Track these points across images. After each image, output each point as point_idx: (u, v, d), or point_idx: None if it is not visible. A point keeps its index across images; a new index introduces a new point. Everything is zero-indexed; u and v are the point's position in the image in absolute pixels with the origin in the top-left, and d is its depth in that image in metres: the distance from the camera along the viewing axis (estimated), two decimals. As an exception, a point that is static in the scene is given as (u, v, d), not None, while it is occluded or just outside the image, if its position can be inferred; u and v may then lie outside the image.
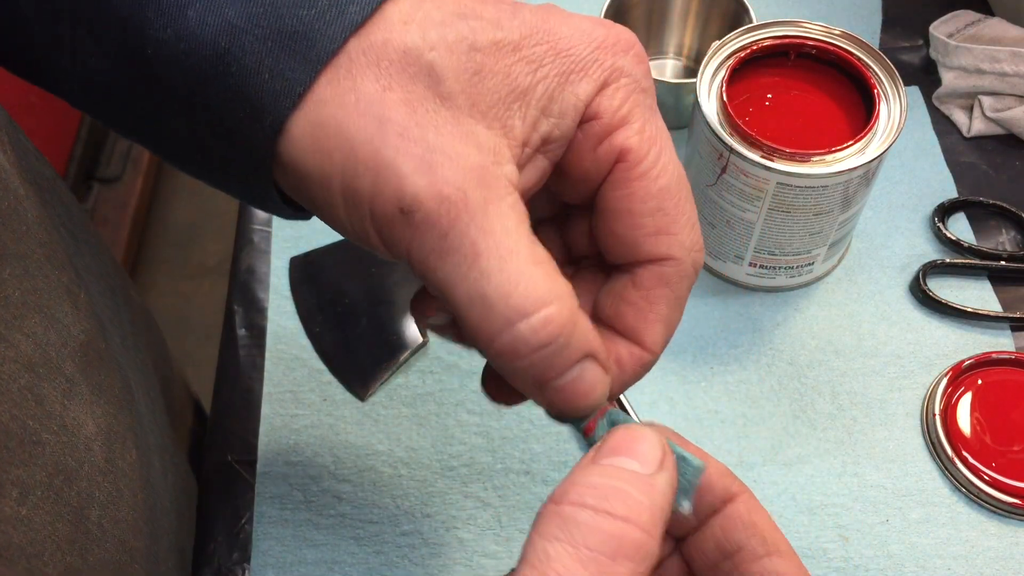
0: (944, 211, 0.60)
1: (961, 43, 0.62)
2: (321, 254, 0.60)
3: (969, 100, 0.64)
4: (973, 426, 0.52)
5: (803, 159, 0.49)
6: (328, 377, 0.56)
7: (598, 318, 0.32)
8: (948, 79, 0.63)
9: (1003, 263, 0.58)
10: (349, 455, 0.53)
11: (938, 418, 0.52)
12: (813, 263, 0.56)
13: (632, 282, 0.31)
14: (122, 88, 0.28)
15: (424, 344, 0.55)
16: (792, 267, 0.55)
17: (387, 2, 0.27)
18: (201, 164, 0.30)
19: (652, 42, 0.67)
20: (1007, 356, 0.54)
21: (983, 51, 0.61)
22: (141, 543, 0.40)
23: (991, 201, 0.60)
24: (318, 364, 0.56)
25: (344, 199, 0.27)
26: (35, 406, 0.32)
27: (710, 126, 0.50)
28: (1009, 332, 0.56)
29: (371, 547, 0.50)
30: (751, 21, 0.61)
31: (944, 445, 0.51)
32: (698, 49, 0.67)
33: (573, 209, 0.33)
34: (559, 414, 0.29)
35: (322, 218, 0.29)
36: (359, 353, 0.56)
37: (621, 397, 0.33)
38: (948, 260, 0.58)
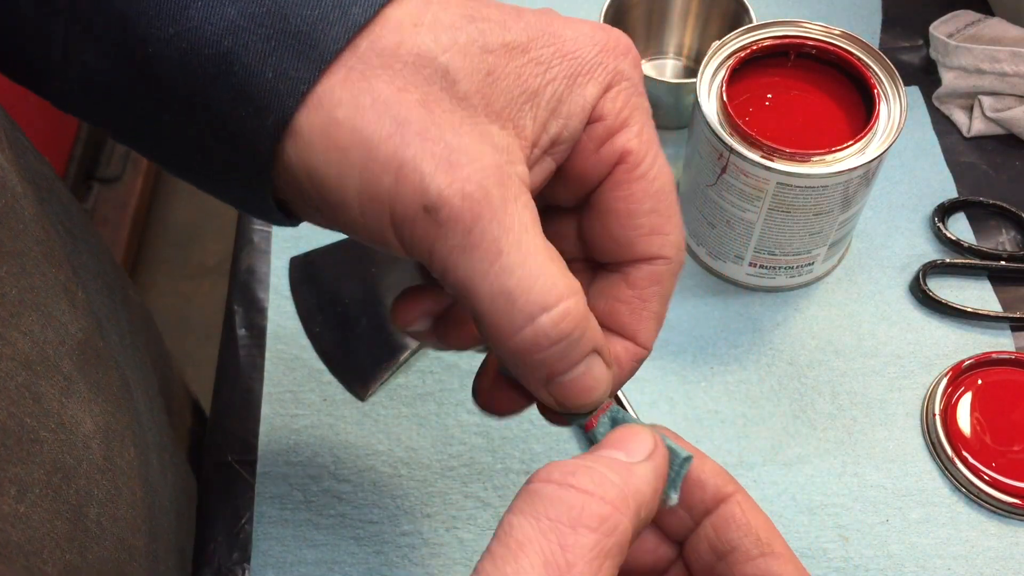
0: (944, 211, 0.60)
1: (961, 43, 0.62)
2: (321, 254, 0.60)
3: (969, 100, 0.64)
4: (973, 426, 0.52)
5: (803, 159, 0.49)
6: (328, 377, 0.56)
7: None
8: (948, 79, 0.63)
9: (1003, 263, 0.58)
10: (349, 455, 0.53)
11: (938, 418, 0.52)
12: (813, 263, 0.56)
13: (625, 281, 0.31)
14: (118, 88, 0.28)
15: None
16: (792, 267, 0.55)
17: (391, 4, 0.28)
18: (198, 167, 0.30)
19: (652, 42, 0.67)
20: (1007, 356, 0.54)
21: (983, 51, 0.61)
22: (140, 541, 0.40)
23: (991, 201, 0.60)
24: (318, 364, 0.56)
25: (361, 200, 0.27)
26: (33, 404, 0.32)
27: (710, 126, 0.50)
28: (1009, 332, 0.56)
29: (371, 547, 0.50)
30: (751, 21, 0.61)
31: (944, 445, 0.51)
32: (698, 49, 0.67)
33: (558, 212, 0.33)
34: (564, 409, 0.30)
35: (329, 220, 0.29)
36: (359, 353, 0.56)
37: (619, 394, 0.34)
38: (948, 260, 0.58)
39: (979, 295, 0.57)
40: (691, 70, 0.68)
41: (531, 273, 0.27)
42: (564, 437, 0.53)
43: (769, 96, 0.53)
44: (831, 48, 0.52)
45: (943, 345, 0.55)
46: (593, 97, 0.29)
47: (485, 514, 0.51)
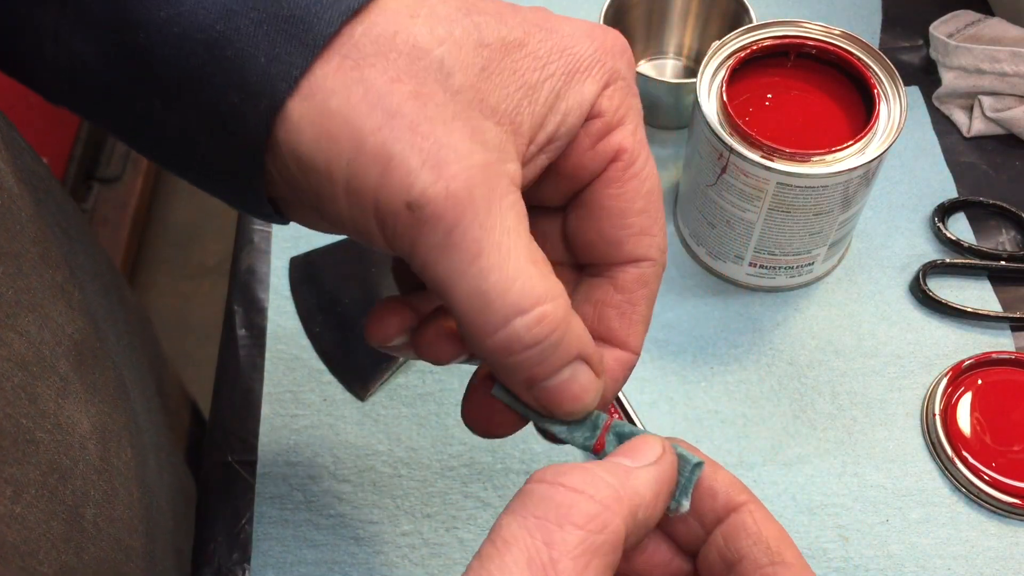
0: (944, 211, 0.60)
1: (961, 43, 0.62)
2: (321, 254, 0.60)
3: (969, 100, 0.64)
4: (973, 426, 0.52)
5: (803, 159, 0.49)
6: (328, 377, 0.56)
7: None
8: (948, 79, 0.63)
9: (1003, 263, 0.58)
10: (349, 455, 0.53)
11: (938, 418, 0.52)
12: (813, 263, 0.56)
13: (613, 285, 0.31)
14: (110, 77, 0.28)
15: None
16: (792, 267, 0.55)
17: None
18: (189, 157, 0.29)
19: (652, 42, 0.67)
20: (1007, 356, 0.54)
21: (983, 51, 0.61)
22: (137, 542, 0.40)
23: (991, 201, 0.60)
24: (318, 364, 0.56)
25: (347, 191, 0.27)
26: (29, 405, 0.32)
27: (710, 126, 0.50)
28: (1009, 332, 0.56)
29: (371, 547, 0.50)
30: (751, 21, 0.61)
31: (944, 445, 0.51)
32: (698, 49, 0.67)
33: (542, 212, 0.33)
34: (552, 416, 0.30)
35: (318, 213, 0.29)
36: (359, 353, 0.56)
37: (620, 395, 0.34)
38: (948, 260, 0.58)
39: (979, 295, 0.57)
40: (691, 70, 0.68)
41: (508, 276, 0.26)
42: (564, 437, 0.53)
43: (769, 96, 0.53)
44: (831, 48, 0.52)
45: (943, 345, 0.55)
46: (592, 95, 0.29)
47: (485, 514, 0.51)
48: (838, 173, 0.49)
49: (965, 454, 0.51)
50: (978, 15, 0.65)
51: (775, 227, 0.52)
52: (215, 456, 0.53)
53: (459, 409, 0.53)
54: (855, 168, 0.49)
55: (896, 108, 0.51)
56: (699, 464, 0.29)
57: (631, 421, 0.51)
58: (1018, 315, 0.56)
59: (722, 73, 0.52)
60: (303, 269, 0.59)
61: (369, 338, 0.33)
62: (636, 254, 0.31)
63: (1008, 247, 0.59)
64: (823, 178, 0.49)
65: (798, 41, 0.53)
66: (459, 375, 0.55)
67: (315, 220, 0.32)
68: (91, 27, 0.27)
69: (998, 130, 0.63)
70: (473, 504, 0.51)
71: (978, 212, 0.60)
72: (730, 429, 0.53)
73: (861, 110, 0.52)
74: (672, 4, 0.66)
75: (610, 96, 0.29)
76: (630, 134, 0.30)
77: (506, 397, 0.31)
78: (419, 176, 0.26)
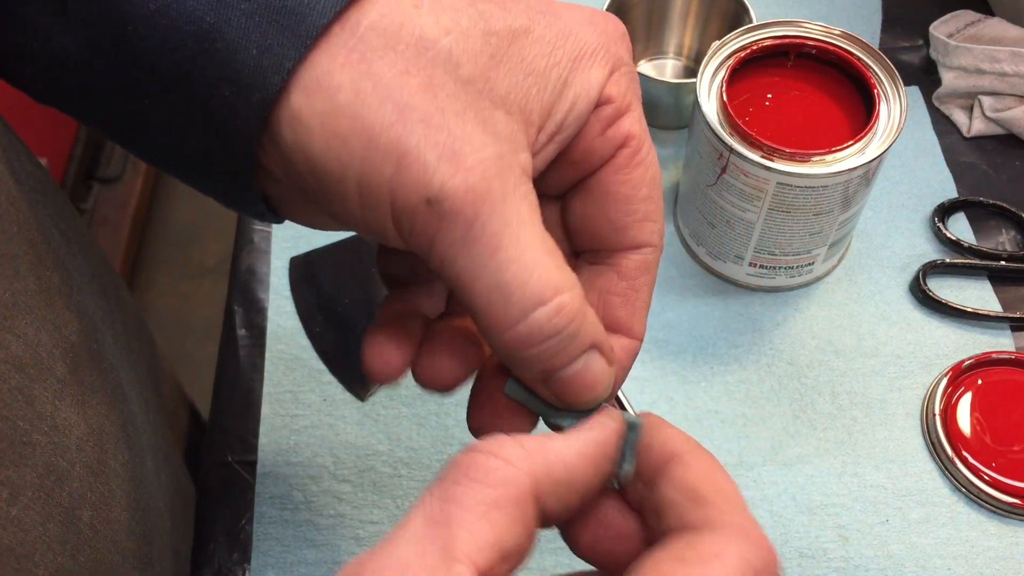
0: (944, 211, 0.60)
1: (961, 43, 0.62)
2: (321, 254, 0.60)
3: (969, 100, 0.64)
4: (973, 426, 0.52)
5: (803, 159, 0.49)
6: (328, 377, 0.55)
7: None
8: (948, 79, 0.63)
9: (1003, 263, 0.58)
10: (349, 455, 0.53)
11: (938, 418, 0.52)
12: (813, 263, 0.56)
13: (617, 273, 0.31)
14: (97, 71, 0.27)
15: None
16: (792, 267, 0.55)
17: None
18: (178, 154, 0.29)
19: (652, 42, 0.67)
20: (1007, 356, 0.54)
21: (983, 51, 0.61)
22: (134, 544, 0.40)
23: (991, 201, 0.60)
24: (318, 364, 0.56)
25: (360, 189, 0.26)
26: (25, 407, 0.32)
27: (710, 126, 0.50)
28: (1009, 332, 0.56)
29: (371, 547, 0.50)
30: (751, 21, 0.61)
31: (944, 445, 0.51)
32: (698, 49, 0.67)
33: (542, 200, 0.33)
34: (567, 407, 0.30)
35: (326, 210, 0.28)
36: (359, 353, 0.56)
37: (620, 394, 0.34)
38: (948, 260, 0.58)
39: (979, 295, 0.57)
40: (691, 70, 0.68)
41: (527, 267, 0.26)
42: (564, 437, 0.53)
43: (769, 96, 0.53)
44: (831, 48, 0.52)
45: (943, 345, 0.55)
46: (599, 81, 0.29)
47: (485, 514, 0.51)
48: (838, 173, 0.49)
49: (965, 454, 0.51)
50: (978, 15, 0.65)
51: (775, 227, 0.52)
52: (215, 456, 0.53)
53: (459, 409, 0.54)
54: (855, 168, 0.49)
55: (896, 108, 0.51)
56: (636, 425, 0.29)
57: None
58: (1018, 315, 0.56)
59: (722, 73, 0.52)
60: (303, 269, 0.59)
61: (372, 377, 0.32)
62: (639, 240, 0.31)
63: (1008, 247, 0.59)
64: (823, 178, 0.49)
65: (798, 41, 0.53)
66: (459, 375, 0.55)
67: (314, 218, 0.31)
68: (78, 22, 0.26)
69: (998, 130, 0.63)
70: (473, 504, 0.51)
71: (978, 212, 0.60)
72: (730, 429, 0.53)
73: (861, 110, 0.52)
74: (672, 4, 0.66)
75: (616, 82, 0.29)
76: (637, 120, 0.30)
77: (520, 394, 0.30)
78: (437, 170, 0.25)
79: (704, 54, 0.53)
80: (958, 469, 0.51)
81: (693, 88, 0.52)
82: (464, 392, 0.56)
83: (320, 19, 0.26)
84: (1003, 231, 0.60)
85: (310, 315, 0.58)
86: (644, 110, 0.31)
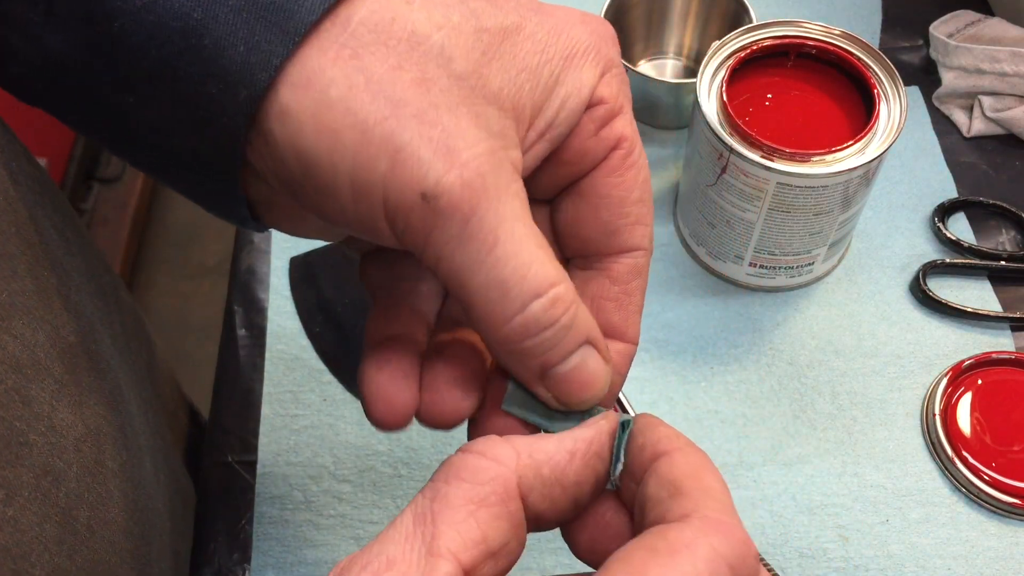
0: (944, 211, 0.60)
1: (961, 43, 0.62)
2: (321, 254, 0.60)
3: (969, 100, 0.64)
4: (973, 426, 0.52)
5: (803, 159, 0.49)
6: (328, 377, 0.56)
7: None
8: (948, 79, 0.63)
9: (1003, 263, 0.58)
10: (349, 455, 0.53)
11: (938, 418, 0.52)
12: (813, 263, 0.56)
13: (609, 277, 0.31)
14: (82, 69, 0.27)
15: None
16: (792, 267, 0.55)
17: None
18: (163, 153, 0.28)
19: (652, 42, 0.67)
20: (1007, 356, 0.54)
21: (983, 51, 0.61)
22: (131, 544, 0.40)
23: (991, 201, 0.60)
24: (318, 364, 0.56)
25: (353, 185, 0.26)
26: (22, 407, 0.32)
27: (710, 126, 0.50)
28: (1009, 332, 0.56)
29: (371, 547, 0.50)
30: (751, 21, 0.61)
31: (944, 445, 0.51)
32: (698, 49, 0.67)
33: (532, 205, 0.33)
34: (565, 407, 0.29)
35: (320, 212, 0.28)
36: (359, 353, 0.55)
37: (621, 396, 0.33)
38: (948, 260, 0.58)
39: (979, 295, 0.57)
40: (691, 70, 0.68)
41: (524, 262, 0.26)
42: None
43: (769, 96, 0.53)
44: (831, 48, 0.52)
45: (943, 345, 0.55)
46: (592, 80, 0.29)
47: (485, 514, 0.51)
48: (838, 173, 0.49)
49: (965, 454, 0.51)
50: (978, 15, 0.65)
51: (775, 227, 0.52)
52: (215, 456, 0.53)
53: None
54: (855, 168, 0.49)
55: (896, 108, 0.51)
56: (626, 423, 0.28)
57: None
58: (1018, 315, 0.56)
59: (722, 73, 0.52)
60: (303, 269, 0.59)
61: (381, 429, 0.31)
62: (631, 243, 0.31)
63: (1008, 247, 0.59)
64: (823, 178, 0.49)
65: (798, 41, 0.53)
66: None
67: (299, 224, 0.31)
68: (64, 19, 0.26)
69: (998, 130, 0.63)
70: (473, 504, 0.51)
71: (978, 212, 0.60)
72: (730, 429, 0.53)
73: (861, 110, 0.52)
74: (672, 4, 0.66)
75: (608, 83, 0.29)
76: (629, 123, 0.30)
77: (518, 407, 0.30)
78: (432, 166, 0.25)
79: (704, 54, 0.53)
80: (958, 469, 0.51)
81: (693, 88, 0.52)
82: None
83: (309, 16, 0.25)
84: (1003, 231, 0.60)
85: (310, 315, 0.58)
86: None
